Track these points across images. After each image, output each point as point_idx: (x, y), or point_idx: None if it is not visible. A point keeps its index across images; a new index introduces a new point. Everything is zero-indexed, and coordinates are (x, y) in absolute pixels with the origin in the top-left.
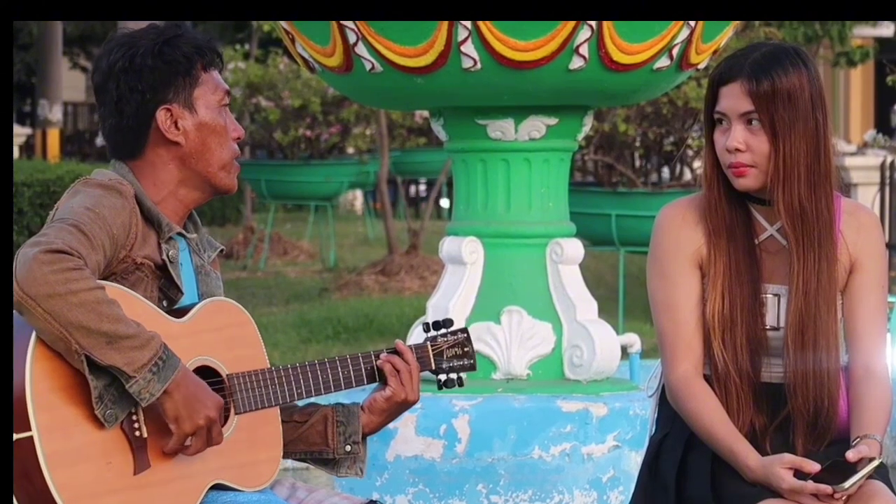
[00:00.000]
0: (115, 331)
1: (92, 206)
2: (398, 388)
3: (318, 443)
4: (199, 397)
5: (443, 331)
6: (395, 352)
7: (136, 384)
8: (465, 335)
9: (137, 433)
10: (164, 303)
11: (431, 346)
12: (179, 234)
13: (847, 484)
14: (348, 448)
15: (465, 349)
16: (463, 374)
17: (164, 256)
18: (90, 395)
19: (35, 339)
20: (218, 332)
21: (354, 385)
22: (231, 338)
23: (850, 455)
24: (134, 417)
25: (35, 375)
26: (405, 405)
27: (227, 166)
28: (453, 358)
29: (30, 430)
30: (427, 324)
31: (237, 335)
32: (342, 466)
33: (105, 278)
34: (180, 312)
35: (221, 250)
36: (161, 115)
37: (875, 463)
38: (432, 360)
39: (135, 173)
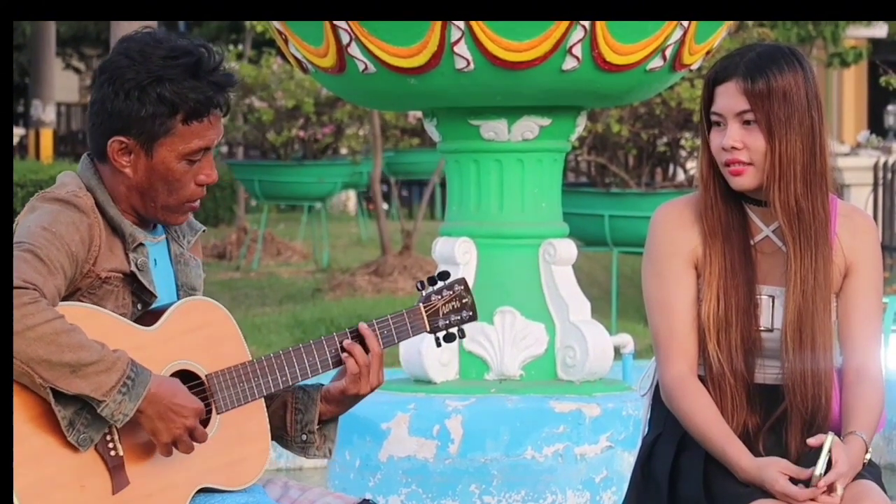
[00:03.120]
0: (78, 359)
1: (48, 224)
2: (352, 385)
3: (279, 427)
4: (174, 408)
5: (438, 286)
6: (360, 335)
7: (107, 408)
8: (462, 286)
9: (113, 453)
10: (139, 306)
11: (425, 307)
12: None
13: (818, 470)
14: (304, 437)
15: (464, 300)
16: (464, 326)
17: (133, 266)
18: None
19: None
20: (194, 333)
21: (343, 364)
22: (208, 337)
23: (811, 441)
24: (108, 438)
25: None
26: (359, 398)
27: (171, 208)
28: (450, 313)
29: None
30: (422, 282)
31: (214, 333)
32: (310, 449)
33: (71, 294)
34: (154, 317)
35: (203, 231)
36: (113, 145)
37: (830, 439)
38: (427, 323)
39: (101, 175)
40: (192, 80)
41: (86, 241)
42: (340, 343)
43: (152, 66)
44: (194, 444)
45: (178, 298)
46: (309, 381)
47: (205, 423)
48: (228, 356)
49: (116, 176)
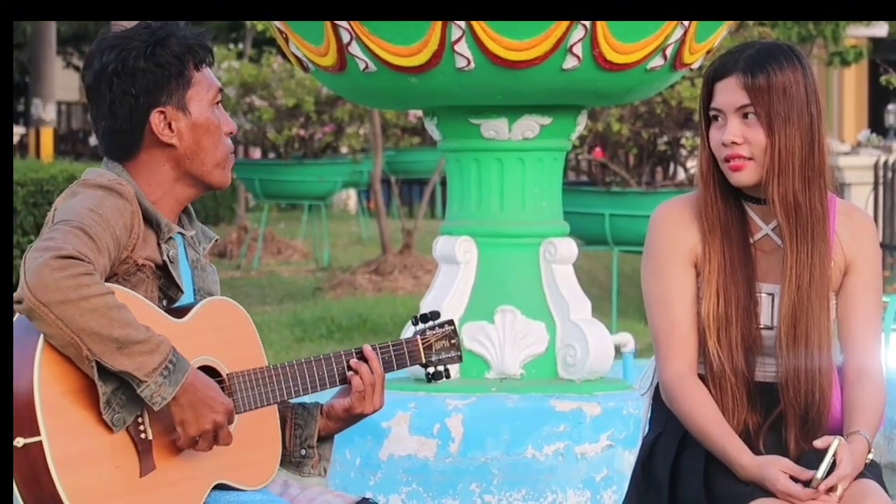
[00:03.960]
0: (126, 336)
1: (94, 207)
2: (358, 403)
3: None
4: (208, 401)
5: (430, 323)
6: (364, 357)
7: (147, 389)
8: (452, 327)
9: (143, 435)
10: (164, 302)
11: (421, 339)
12: (179, 232)
13: (819, 473)
14: (303, 452)
15: (452, 341)
16: (451, 366)
17: (165, 257)
18: (98, 399)
19: (43, 343)
20: (218, 332)
21: (346, 382)
22: (231, 337)
23: (818, 443)
24: (139, 420)
25: (43, 379)
26: (363, 417)
27: (221, 163)
28: (441, 350)
29: (39, 434)
30: (415, 317)
31: (236, 334)
32: (305, 466)
33: (107, 280)
34: (180, 312)
35: (216, 240)
36: (155, 119)
37: (836, 443)
38: (422, 354)
39: (130, 173)
40: (179, 32)
41: (128, 227)
42: (347, 361)
43: (143, 38)
44: (216, 445)
45: (196, 301)
46: (306, 399)
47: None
48: (247, 358)
49: (158, 161)
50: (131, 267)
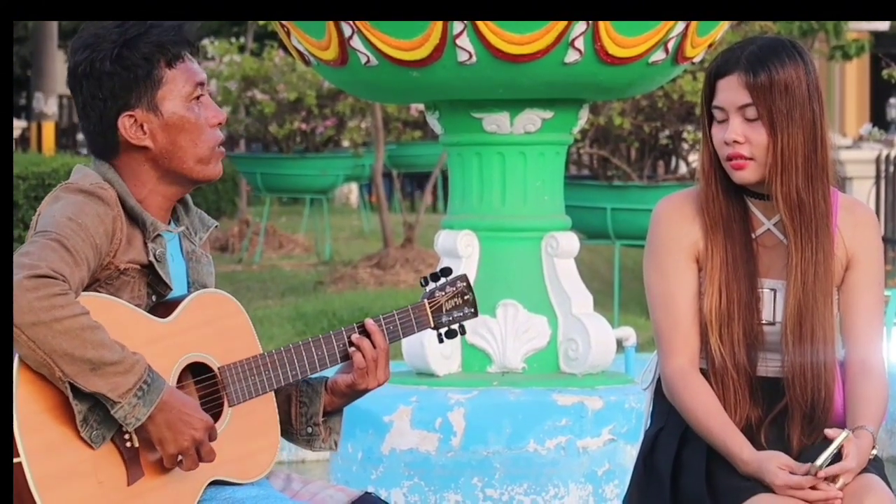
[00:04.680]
0: (100, 357)
1: (74, 215)
2: (361, 379)
3: (284, 421)
4: (184, 419)
5: (441, 282)
6: (366, 331)
7: (121, 409)
8: (465, 283)
9: (129, 444)
10: (153, 298)
11: (429, 303)
12: (166, 230)
13: (819, 461)
14: (310, 430)
15: (466, 297)
16: (465, 323)
17: (151, 257)
18: None
19: (19, 362)
20: (208, 326)
21: (349, 358)
22: (222, 330)
23: (829, 432)
24: (124, 429)
25: (21, 399)
26: (368, 391)
27: (203, 159)
28: (453, 309)
29: (18, 455)
30: (425, 277)
31: (228, 326)
32: (315, 442)
33: (89, 285)
34: (168, 309)
35: (215, 227)
36: (124, 122)
37: (844, 434)
38: (431, 319)
39: (116, 171)
40: (152, 30)
41: (109, 234)
42: (348, 337)
43: (112, 38)
44: (200, 462)
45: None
46: (313, 375)
47: (217, 415)
48: (240, 349)
49: (138, 161)
50: (113, 272)
